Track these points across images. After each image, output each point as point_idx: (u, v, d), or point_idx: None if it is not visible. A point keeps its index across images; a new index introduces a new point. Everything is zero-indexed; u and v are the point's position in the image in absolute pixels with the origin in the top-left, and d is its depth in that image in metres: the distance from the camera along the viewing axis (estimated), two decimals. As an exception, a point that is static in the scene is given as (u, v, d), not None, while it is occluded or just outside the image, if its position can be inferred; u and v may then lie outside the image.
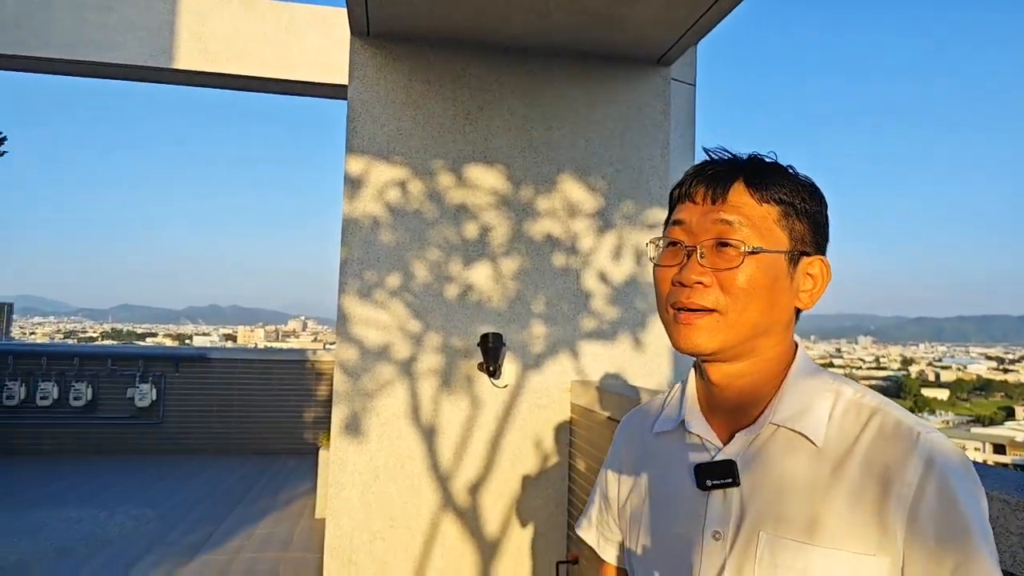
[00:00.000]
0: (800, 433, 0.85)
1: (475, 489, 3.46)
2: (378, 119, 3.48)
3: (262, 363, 8.35)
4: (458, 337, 3.48)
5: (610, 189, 3.67)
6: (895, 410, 0.84)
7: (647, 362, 3.66)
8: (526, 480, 3.51)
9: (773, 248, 0.86)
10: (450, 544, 3.42)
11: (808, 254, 0.89)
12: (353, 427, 3.36)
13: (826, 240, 0.92)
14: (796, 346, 0.92)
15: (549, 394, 3.55)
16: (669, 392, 1.05)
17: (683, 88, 4.72)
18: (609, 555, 1.10)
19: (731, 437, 0.89)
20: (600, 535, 1.10)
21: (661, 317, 0.92)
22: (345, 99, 3.53)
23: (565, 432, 3.56)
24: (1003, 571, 1.06)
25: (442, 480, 3.43)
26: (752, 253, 0.85)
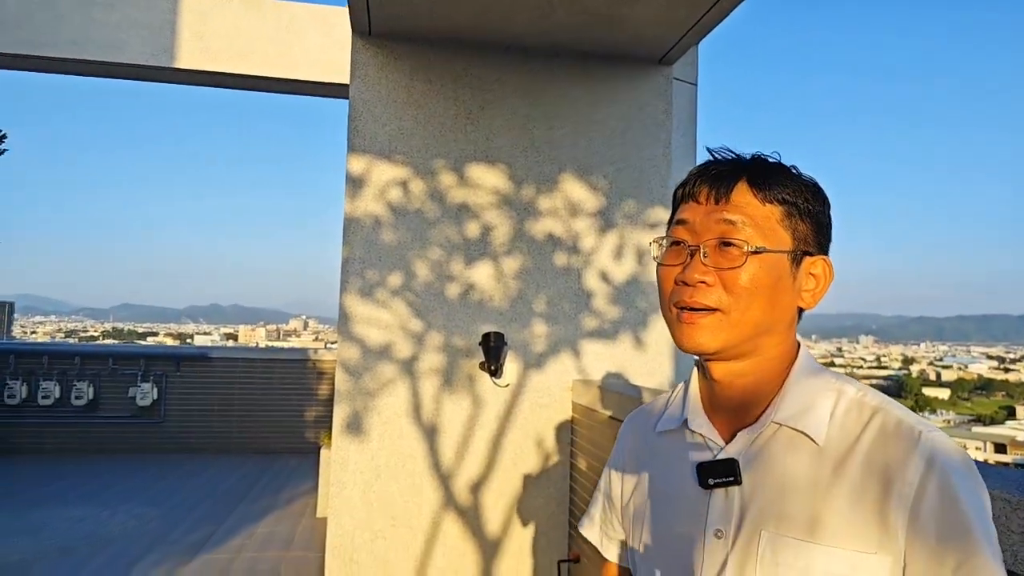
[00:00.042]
0: (802, 432, 0.85)
1: (476, 488, 3.46)
2: (379, 118, 3.48)
3: (263, 362, 8.36)
4: (459, 336, 3.48)
5: (611, 188, 3.67)
6: (897, 409, 0.84)
7: (648, 361, 3.67)
8: (527, 479, 3.51)
9: (776, 248, 0.87)
10: (451, 543, 3.42)
11: (811, 254, 0.90)
12: (355, 426, 3.37)
13: (829, 240, 0.93)
14: (799, 345, 0.93)
15: (550, 393, 3.56)
16: (673, 391, 1.05)
17: (685, 87, 4.73)
18: (612, 554, 1.10)
19: (733, 436, 0.90)
20: (603, 534, 1.11)
21: (664, 316, 0.92)
22: (346, 98, 3.54)
23: (566, 431, 3.56)
24: (1007, 571, 1.06)
25: (443, 479, 3.43)
26: (755, 253, 0.85)
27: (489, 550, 3.46)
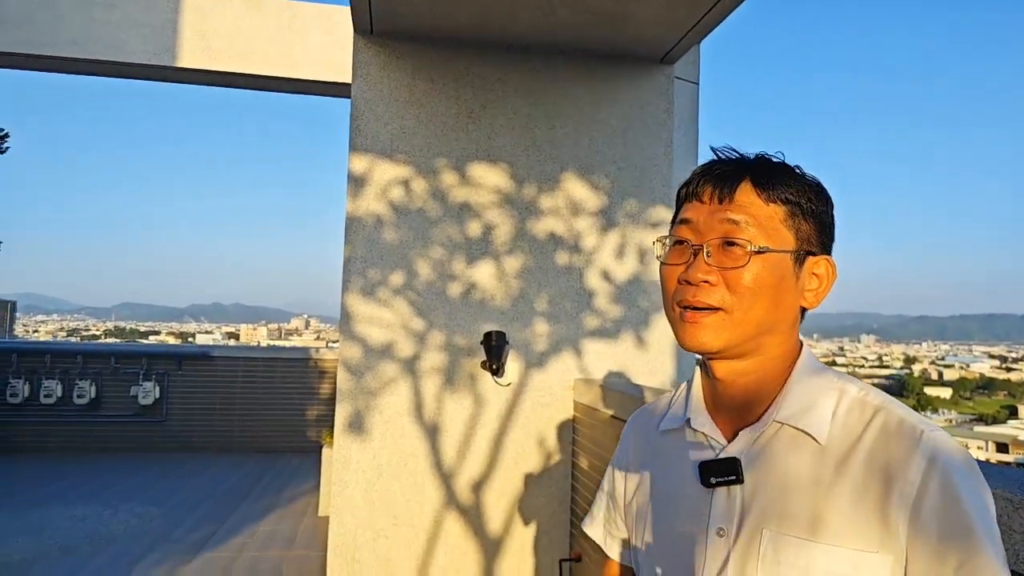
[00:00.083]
0: (804, 431, 0.85)
1: (478, 487, 3.46)
2: (381, 117, 3.48)
3: (265, 361, 8.36)
4: (461, 335, 3.48)
5: (613, 188, 3.67)
6: (899, 408, 0.84)
7: (650, 360, 3.67)
8: (529, 478, 3.52)
9: (779, 248, 0.87)
10: (453, 542, 3.43)
11: (814, 254, 0.90)
12: (356, 425, 3.37)
13: (832, 240, 0.93)
14: (801, 345, 0.93)
15: (552, 392, 3.56)
16: (675, 391, 1.05)
17: (686, 86, 4.72)
18: (615, 552, 1.11)
19: (735, 435, 0.90)
20: (607, 532, 1.11)
21: (667, 315, 0.93)
22: (348, 97, 3.54)
23: (568, 430, 3.56)
24: (1011, 571, 1.06)
25: (445, 478, 3.44)
26: (758, 252, 0.86)
27: (491, 549, 3.46)
